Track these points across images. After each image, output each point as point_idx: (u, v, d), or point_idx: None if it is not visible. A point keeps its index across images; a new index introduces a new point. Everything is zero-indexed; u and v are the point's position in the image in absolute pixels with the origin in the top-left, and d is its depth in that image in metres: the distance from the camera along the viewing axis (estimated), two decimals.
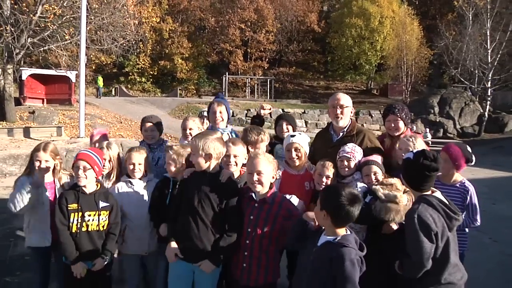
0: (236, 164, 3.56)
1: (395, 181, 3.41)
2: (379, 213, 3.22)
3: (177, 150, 3.70)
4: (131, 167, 3.79)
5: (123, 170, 3.98)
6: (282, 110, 26.26)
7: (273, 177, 3.23)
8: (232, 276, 3.28)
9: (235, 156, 3.54)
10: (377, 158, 3.65)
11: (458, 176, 3.74)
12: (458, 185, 3.68)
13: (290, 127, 4.59)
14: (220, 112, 4.42)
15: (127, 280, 4.02)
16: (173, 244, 3.22)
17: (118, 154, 4.08)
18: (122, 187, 3.83)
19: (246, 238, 3.17)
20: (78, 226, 3.37)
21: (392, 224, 3.27)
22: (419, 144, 3.69)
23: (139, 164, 3.80)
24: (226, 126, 4.47)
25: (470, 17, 28.40)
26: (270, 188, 3.23)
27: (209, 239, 3.18)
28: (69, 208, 3.35)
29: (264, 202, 3.17)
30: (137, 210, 3.78)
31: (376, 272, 3.30)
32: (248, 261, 3.16)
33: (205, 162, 3.20)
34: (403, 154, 3.59)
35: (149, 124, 4.61)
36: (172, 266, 3.28)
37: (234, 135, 4.42)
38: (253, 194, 3.20)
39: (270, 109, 5.03)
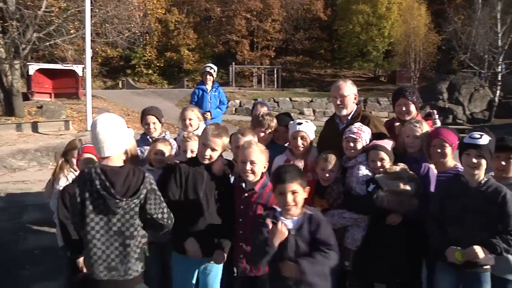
0: None
1: (401, 168, 3.34)
2: (381, 203, 3.16)
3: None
4: (154, 156, 3.88)
5: (146, 160, 4.04)
6: (290, 99, 26.13)
7: (264, 167, 3.23)
8: (237, 271, 3.25)
9: None
10: (388, 144, 3.50)
11: (450, 162, 3.52)
12: (452, 171, 3.40)
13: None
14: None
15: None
16: (192, 239, 3.18)
17: (135, 146, 4.08)
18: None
19: (239, 229, 3.18)
20: None
21: (397, 215, 3.22)
22: (425, 129, 3.60)
23: (162, 154, 3.87)
24: None
25: (480, 0, 27.85)
26: (261, 178, 3.21)
27: (215, 231, 3.19)
28: None
29: (253, 191, 3.17)
30: None
31: (380, 262, 3.27)
32: (246, 251, 3.15)
33: (215, 154, 3.21)
34: (412, 143, 3.53)
35: (150, 117, 4.46)
36: (176, 259, 3.28)
37: None
38: (243, 184, 3.20)
39: None
